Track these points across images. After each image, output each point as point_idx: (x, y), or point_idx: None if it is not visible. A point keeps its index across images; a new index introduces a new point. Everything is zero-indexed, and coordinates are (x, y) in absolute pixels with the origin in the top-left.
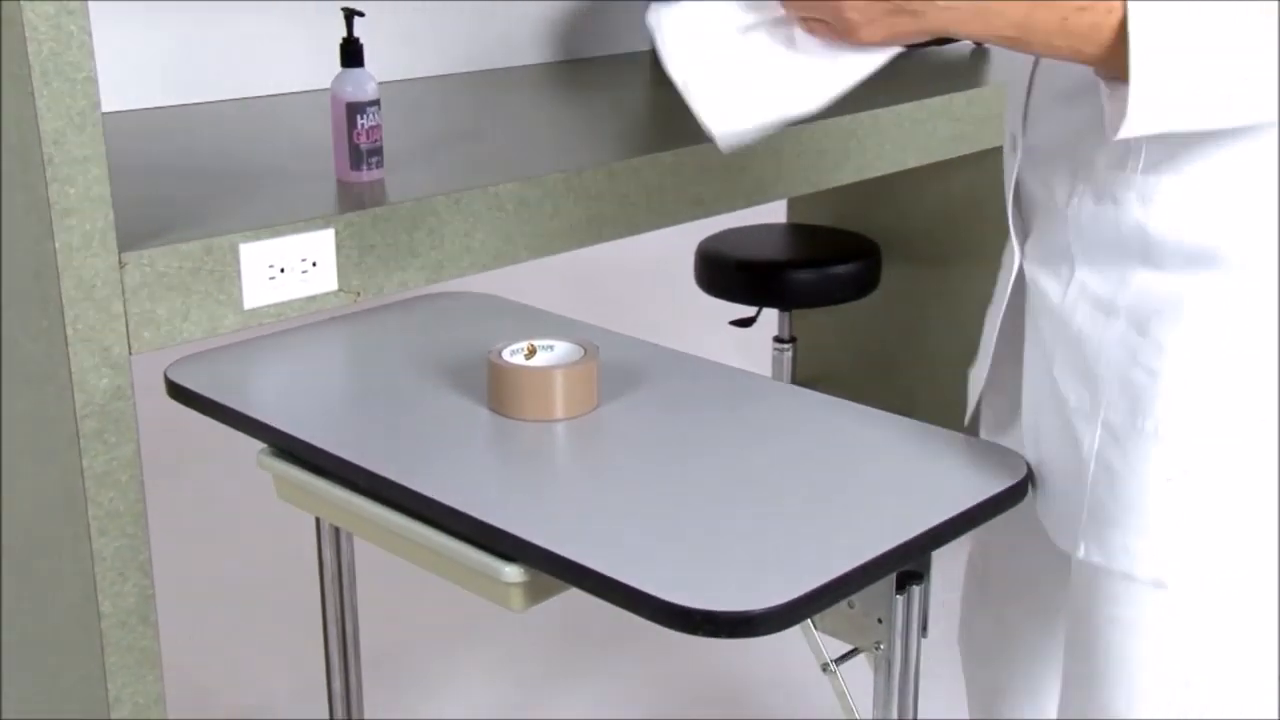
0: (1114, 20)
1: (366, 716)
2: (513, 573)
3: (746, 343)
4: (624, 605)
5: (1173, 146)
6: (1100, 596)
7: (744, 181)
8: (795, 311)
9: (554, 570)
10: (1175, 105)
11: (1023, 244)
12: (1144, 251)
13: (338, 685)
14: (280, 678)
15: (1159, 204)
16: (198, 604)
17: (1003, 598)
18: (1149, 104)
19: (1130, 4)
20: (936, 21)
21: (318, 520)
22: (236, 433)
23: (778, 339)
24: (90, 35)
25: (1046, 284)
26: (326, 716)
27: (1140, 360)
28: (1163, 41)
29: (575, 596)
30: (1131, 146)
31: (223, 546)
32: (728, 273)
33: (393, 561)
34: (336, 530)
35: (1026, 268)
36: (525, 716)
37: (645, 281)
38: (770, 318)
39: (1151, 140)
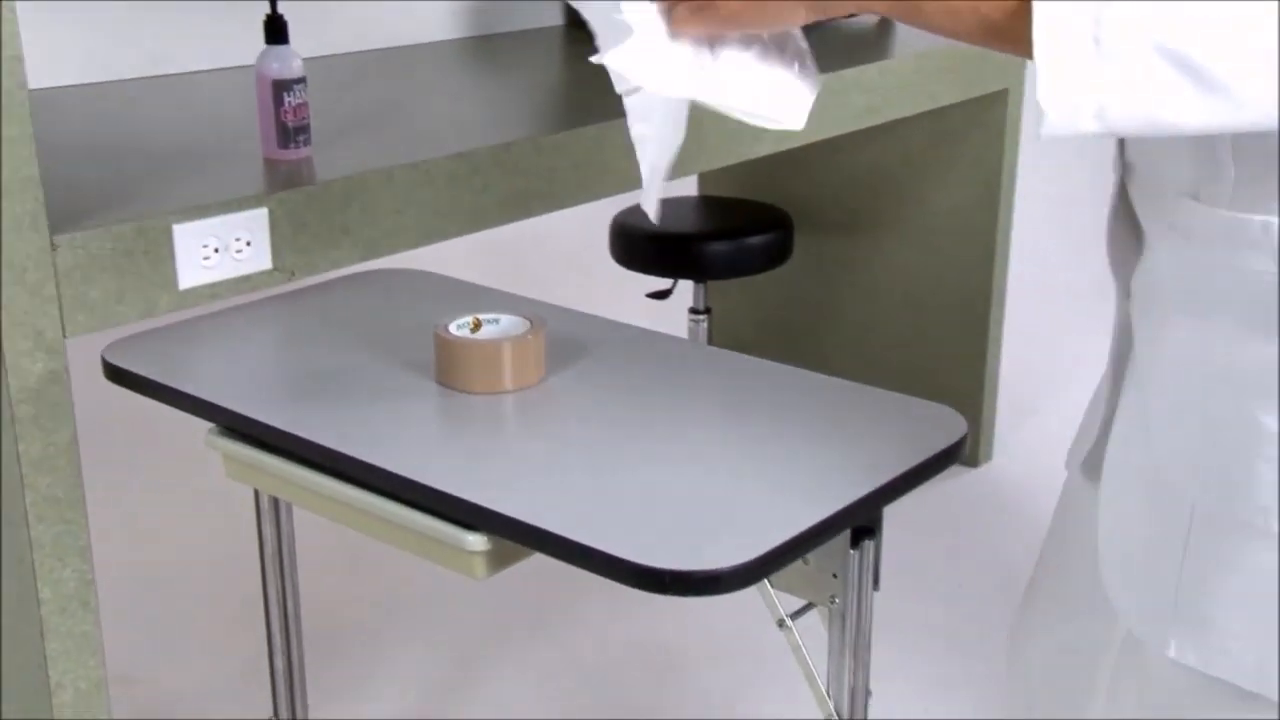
0: None
1: (309, 694)
2: (476, 541)
3: (663, 315)
4: (593, 569)
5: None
6: (1192, 700)
7: None
8: (710, 283)
9: (518, 537)
10: (1095, 85)
11: (1125, 282)
12: (1267, 314)
13: (280, 663)
14: (222, 659)
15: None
16: (137, 588)
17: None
18: (1058, 83)
19: None
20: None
21: (257, 499)
22: (173, 416)
23: (693, 310)
24: (15, 14)
25: (1147, 334)
26: (269, 693)
27: (1260, 447)
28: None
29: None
30: (1220, 170)
31: (162, 530)
32: (643, 246)
33: (330, 542)
34: (276, 508)
35: (1130, 305)
36: (467, 690)
37: (560, 256)
38: (686, 289)
39: (1241, 162)
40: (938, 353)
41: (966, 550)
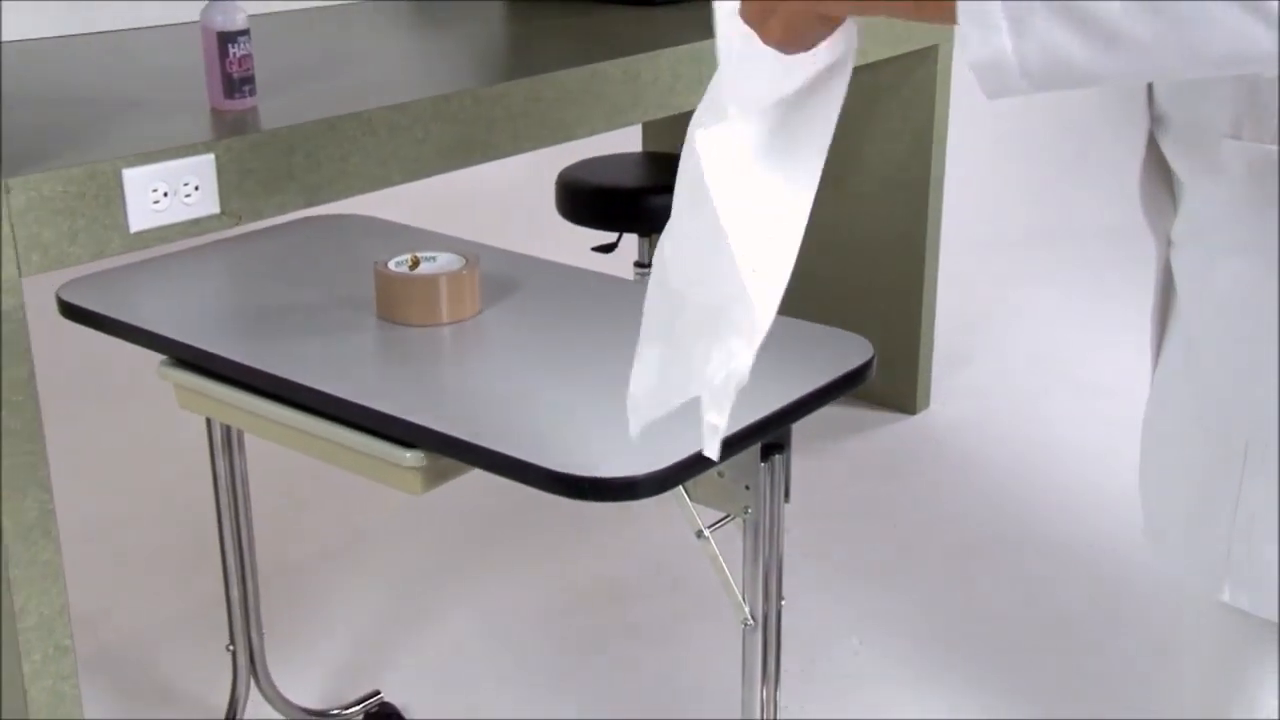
0: None
1: (264, 628)
2: (413, 458)
3: (608, 268)
4: (518, 479)
5: None
6: (1246, 645)
7: (601, 106)
8: (654, 236)
9: (452, 453)
10: (1014, 50)
11: (1164, 232)
12: None
13: (235, 593)
14: (180, 595)
15: None
16: (93, 525)
17: None
18: (981, 50)
19: None
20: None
21: (210, 433)
22: (124, 355)
23: (638, 263)
24: None
25: (1192, 282)
26: (226, 625)
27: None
28: None
29: (456, 507)
30: (1262, 105)
31: (116, 467)
32: (588, 200)
33: (281, 484)
34: (228, 441)
35: (1171, 255)
36: (414, 623)
37: (507, 211)
38: (630, 243)
39: None
40: (873, 304)
41: (902, 492)
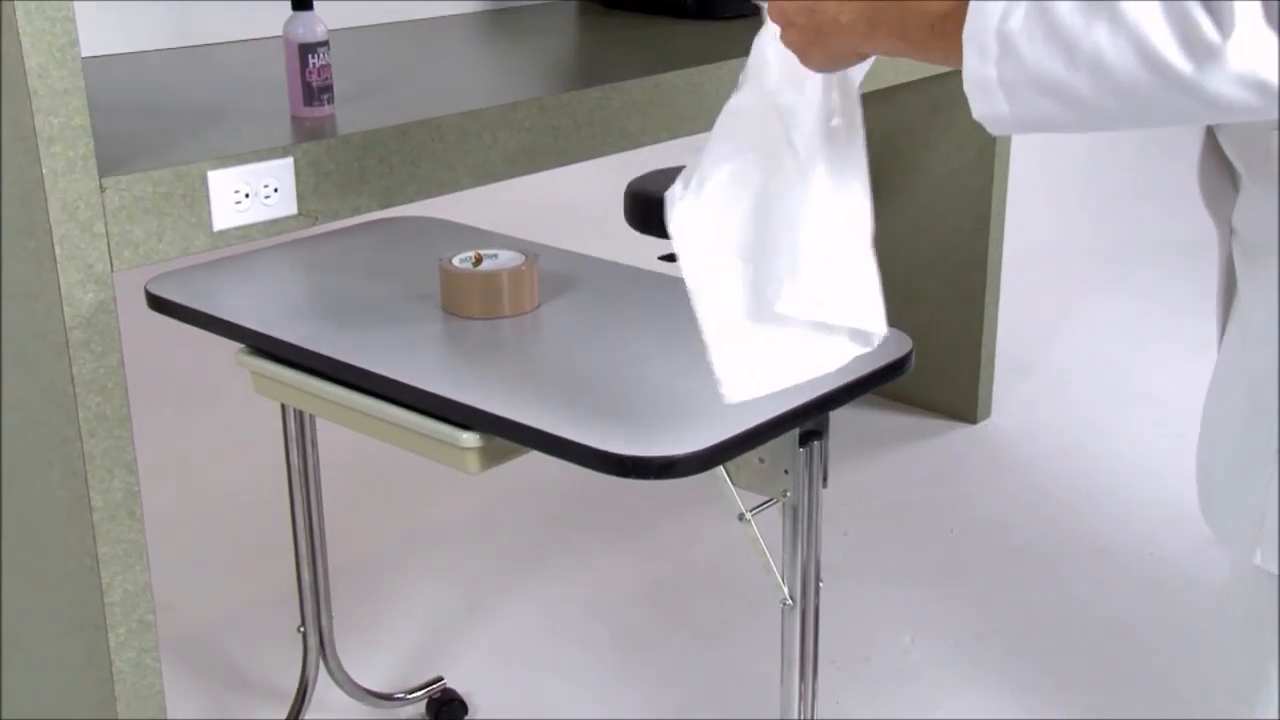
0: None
1: (333, 614)
2: (469, 438)
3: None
4: (567, 458)
5: None
6: (1271, 604)
7: (665, 116)
8: None
9: (504, 433)
10: (1004, 99)
11: (1225, 220)
12: None
13: (306, 576)
14: (253, 582)
15: None
16: (172, 510)
17: None
18: (977, 92)
19: None
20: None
21: (284, 423)
22: (206, 351)
23: None
24: None
25: (1248, 269)
26: (298, 612)
27: None
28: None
29: (519, 506)
30: None
31: (194, 455)
32: (656, 211)
33: (353, 480)
34: (301, 432)
35: (1233, 242)
36: (474, 616)
37: (578, 221)
38: None
39: None
40: (937, 315)
41: (960, 499)
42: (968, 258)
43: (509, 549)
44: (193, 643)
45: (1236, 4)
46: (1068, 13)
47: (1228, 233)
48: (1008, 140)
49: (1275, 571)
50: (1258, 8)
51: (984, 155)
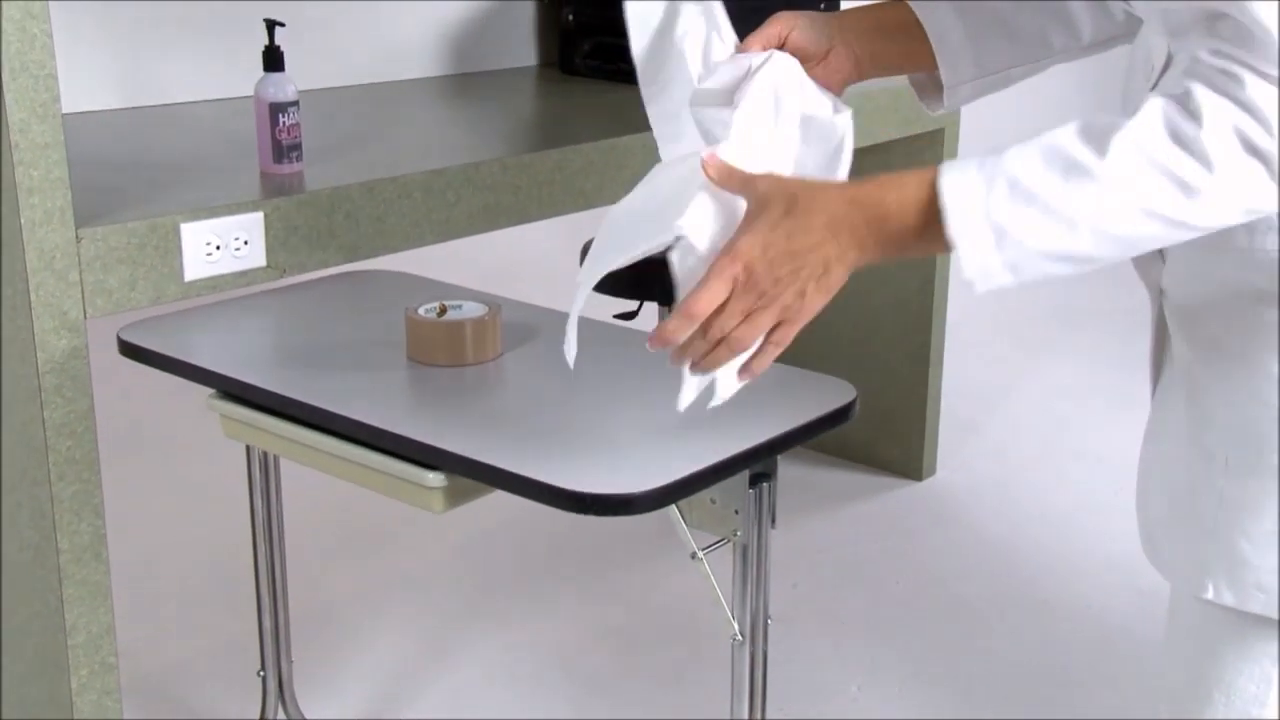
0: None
1: (295, 659)
2: (435, 478)
3: None
4: (528, 495)
5: None
6: (1227, 638)
7: (621, 177)
8: (673, 306)
9: (471, 473)
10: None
11: (1154, 283)
12: (1256, 293)
13: (268, 622)
14: (214, 625)
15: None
16: (138, 553)
17: None
18: (974, 268)
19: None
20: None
21: (249, 468)
22: (176, 396)
23: None
24: (51, 38)
25: (1179, 325)
26: (258, 658)
27: (1257, 394)
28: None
29: (481, 551)
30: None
31: (160, 499)
32: (612, 270)
33: (316, 524)
34: (266, 477)
35: (1164, 302)
36: (439, 664)
37: (536, 277)
38: (650, 311)
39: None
40: (884, 373)
41: (907, 553)
42: (915, 319)
43: (470, 594)
44: (154, 686)
45: (1212, 141)
46: (1054, 190)
47: (1158, 294)
48: None
49: (1227, 604)
50: (1235, 140)
51: None
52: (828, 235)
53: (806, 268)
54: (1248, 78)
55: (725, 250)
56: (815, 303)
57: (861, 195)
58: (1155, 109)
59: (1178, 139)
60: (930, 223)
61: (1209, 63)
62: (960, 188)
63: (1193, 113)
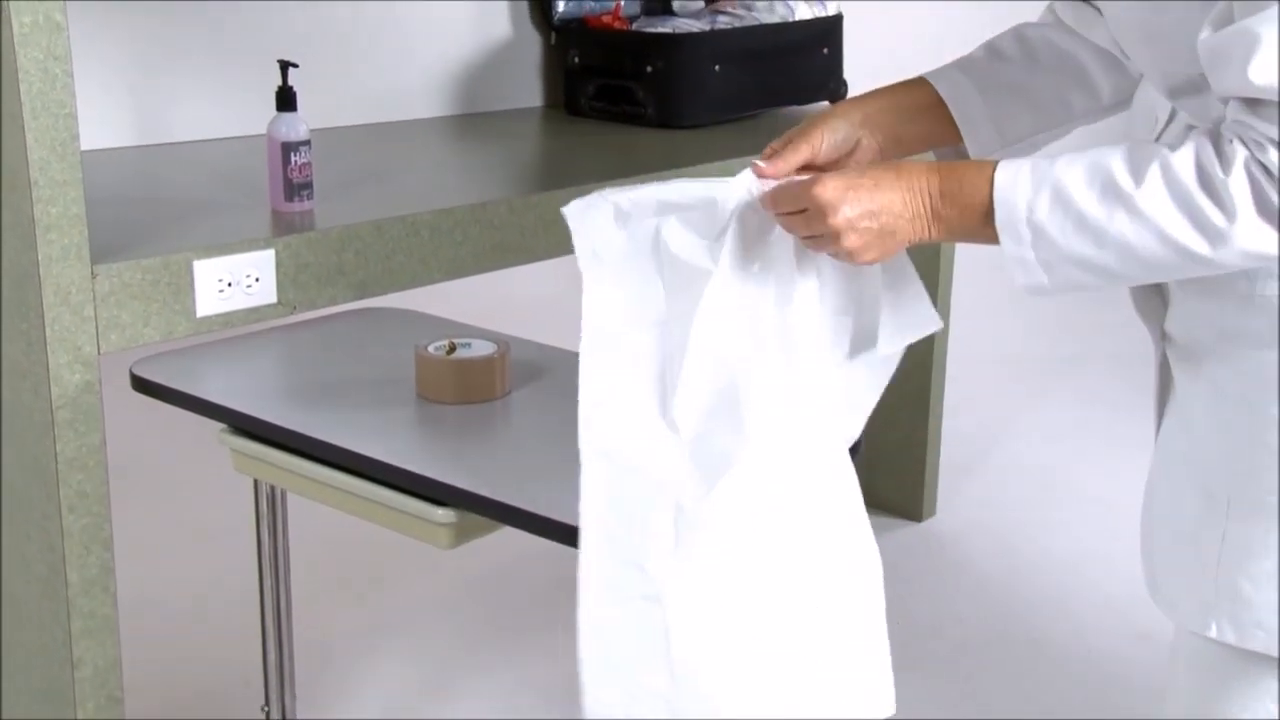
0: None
1: (298, 692)
2: (444, 515)
3: None
4: (535, 531)
5: None
6: (1229, 676)
7: None
8: None
9: (478, 509)
10: (1042, 268)
11: (1157, 328)
12: (1256, 337)
13: (272, 656)
14: (220, 660)
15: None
16: (146, 586)
17: None
18: (1016, 268)
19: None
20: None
21: (256, 504)
22: (186, 431)
23: None
24: (72, 78)
25: (1184, 368)
26: (263, 694)
27: (1258, 437)
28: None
29: (484, 592)
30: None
31: (169, 534)
32: None
33: (319, 561)
34: (274, 513)
35: (1167, 347)
36: (442, 698)
37: (540, 318)
38: None
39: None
40: (884, 416)
41: (906, 594)
42: (915, 361)
43: (476, 631)
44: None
45: (1237, 192)
46: (1091, 205)
47: (1160, 337)
48: (951, 248)
49: (1229, 642)
50: (1252, 193)
51: (929, 261)
52: (906, 204)
53: (878, 223)
54: (1272, 150)
55: (813, 179)
56: (867, 257)
57: (941, 180)
58: (1189, 150)
59: (1205, 183)
60: (990, 213)
61: (1246, 122)
62: (1011, 186)
63: (1225, 161)
